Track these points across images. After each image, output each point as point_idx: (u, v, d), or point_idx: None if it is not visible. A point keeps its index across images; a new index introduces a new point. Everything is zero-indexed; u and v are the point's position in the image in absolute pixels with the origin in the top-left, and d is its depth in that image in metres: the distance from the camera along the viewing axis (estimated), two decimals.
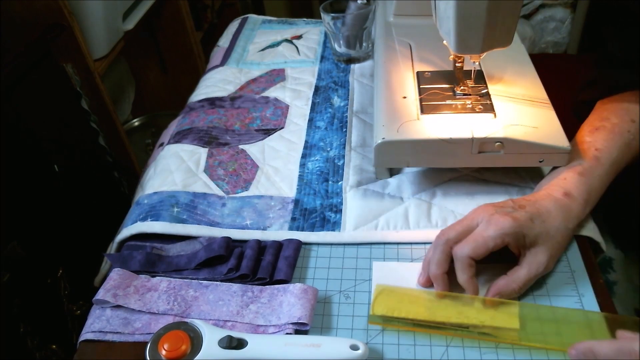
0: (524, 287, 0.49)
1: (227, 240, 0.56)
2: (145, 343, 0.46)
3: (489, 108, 0.60)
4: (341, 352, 0.45)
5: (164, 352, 0.45)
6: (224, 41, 1.00)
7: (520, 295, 0.50)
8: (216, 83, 0.86)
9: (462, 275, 0.48)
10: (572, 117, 0.64)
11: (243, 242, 0.57)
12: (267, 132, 0.73)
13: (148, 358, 0.46)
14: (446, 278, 0.50)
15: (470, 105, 0.60)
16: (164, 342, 0.45)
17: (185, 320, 0.49)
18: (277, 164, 0.68)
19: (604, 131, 0.58)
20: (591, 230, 0.55)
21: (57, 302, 1.02)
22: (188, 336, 0.46)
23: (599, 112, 0.62)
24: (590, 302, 0.49)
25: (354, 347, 0.45)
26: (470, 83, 0.62)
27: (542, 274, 0.50)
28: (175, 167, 0.67)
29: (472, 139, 0.56)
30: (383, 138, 0.57)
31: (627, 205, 0.71)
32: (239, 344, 0.46)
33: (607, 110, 0.61)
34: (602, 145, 0.56)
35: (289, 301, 0.50)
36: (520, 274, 0.49)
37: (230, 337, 0.46)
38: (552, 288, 0.51)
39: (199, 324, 0.47)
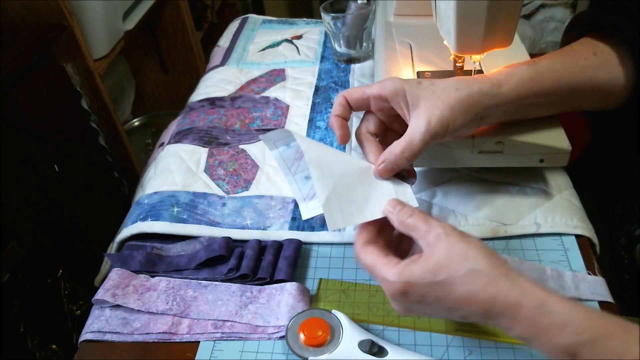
0: (409, 153, 0.46)
1: (228, 240, 0.56)
2: (146, 343, 0.45)
3: None
4: None
5: (302, 337, 0.45)
6: (224, 41, 1.00)
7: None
8: (216, 83, 0.86)
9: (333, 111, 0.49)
10: (572, 117, 0.63)
11: (243, 242, 0.57)
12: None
13: (287, 339, 0.45)
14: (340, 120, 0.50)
15: None
16: (305, 327, 0.45)
17: (330, 311, 0.47)
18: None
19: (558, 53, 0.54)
20: (588, 232, 0.55)
21: (57, 302, 1.02)
22: (328, 326, 0.45)
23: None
24: (590, 302, 0.49)
25: None
26: None
27: (429, 137, 0.46)
28: (175, 167, 0.67)
29: (473, 139, 0.56)
30: None
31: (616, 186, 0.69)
32: (379, 351, 0.44)
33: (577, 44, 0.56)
34: (544, 58, 0.53)
35: (287, 302, 0.50)
36: (401, 139, 0.46)
37: (372, 342, 0.44)
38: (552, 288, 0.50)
39: (342, 318, 0.46)
